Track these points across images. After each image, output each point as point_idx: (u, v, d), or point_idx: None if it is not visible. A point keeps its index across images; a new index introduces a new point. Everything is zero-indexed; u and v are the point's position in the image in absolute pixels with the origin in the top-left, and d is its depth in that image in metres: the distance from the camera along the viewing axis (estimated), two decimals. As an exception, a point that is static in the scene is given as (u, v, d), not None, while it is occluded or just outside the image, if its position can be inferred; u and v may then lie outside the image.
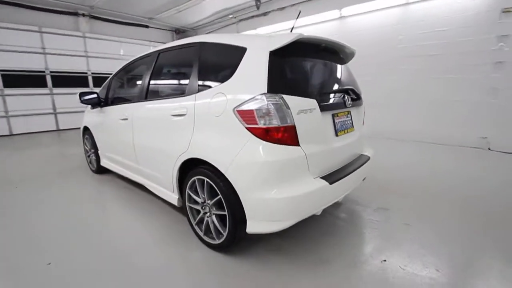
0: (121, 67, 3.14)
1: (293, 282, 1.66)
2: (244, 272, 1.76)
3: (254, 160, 1.63)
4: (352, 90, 2.16)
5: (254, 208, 1.67)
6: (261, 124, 1.61)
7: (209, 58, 2.02)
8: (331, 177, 1.80)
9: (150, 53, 2.64)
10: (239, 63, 1.76)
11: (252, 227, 1.70)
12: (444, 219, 2.35)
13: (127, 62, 3.04)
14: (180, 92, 2.18)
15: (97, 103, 3.25)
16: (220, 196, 1.80)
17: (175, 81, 2.44)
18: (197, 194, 2.03)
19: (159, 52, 2.50)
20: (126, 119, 2.69)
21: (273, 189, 1.63)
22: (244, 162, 1.65)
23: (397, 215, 2.42)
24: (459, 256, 1.87)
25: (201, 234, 2.06)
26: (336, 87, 2.11)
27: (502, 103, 4.49)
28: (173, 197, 2.29)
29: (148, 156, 2.49)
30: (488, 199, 2.73)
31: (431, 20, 5.00)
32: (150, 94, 2.49)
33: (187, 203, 2.13)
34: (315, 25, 6.59)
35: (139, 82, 2.73)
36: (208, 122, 1.84)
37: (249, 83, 1.70)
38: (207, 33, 2.49)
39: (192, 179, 2.00)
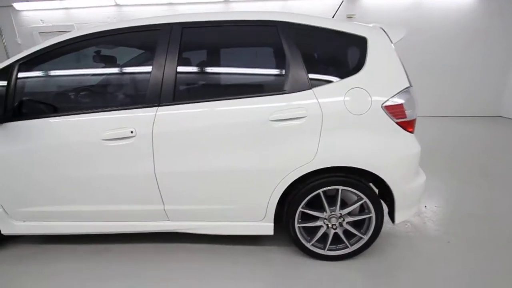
0: (47, 45, 1.67)
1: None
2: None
3: (409, 152, 1.65)
4: None
5: (404, 199, 1.71)
6: (408, 117, 1.63)
7: (315, 45, 1.64)
8: None
9: (154, 25, 1.63)
10: (366, 54, 1.61)
11: (400, 217, 1.75)
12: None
13: (69, 37, 1.67)
14: (267, 88, 1.62)
15: None
16: (364, 200, 1.66)
17: (245, 73, 1.70)
18: (317, 209, 1.71)
19: (183, 27, 1.61)
20: (130, 137, 1.59)
21: (418, 176, 1.75)
22: (400, 157, 1.63)
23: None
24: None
25: (321, 251, 1.79)
26: None
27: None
28: (261, 226, 1.77)
29: (205, 187, 1.67)
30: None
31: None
32: (185, 94, 1.61)
33: (296, 225, 1.74)
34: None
35: (139, 74, 1.65)
36: (346, 122, 1.57)
37: (387, 76, 1.62)
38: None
39: (314, 193, 1.65)
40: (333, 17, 2.00)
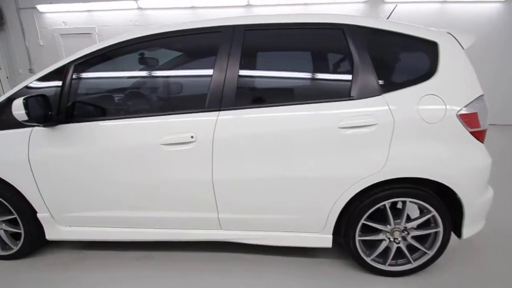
0: (104, 46, 1.62)
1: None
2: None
3: (482, 164, 1.56)
4: None
5: (474, 213, 1.61)
6: (482, 126, 1.54)
7: (384, 49, 1.56)
8: None
9: (216, 27, 1.58)
10: (438, 60, 1.53)
11: (468, 232, 1.65)
12: None
13: (128, 38, 1.61)
14: (333, 93, 1.55)
15: (44, 117, 1.55)
16: (433, 213, 1.57)
17: (308, 77, 1.63)
18: (379, 222, 1.62)
19: (245, 29, 1.55)
20: (190, 142, 1.52)
21: (487, 190, 1.65)
22: (473, 168, 1.54)
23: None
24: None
25: (381, 266, 1.70)
26: None
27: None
28: (319, 238, 1.68)
29: (264, 196, 1.59)
30: None
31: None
32: (248, 98, 1.54)
33: (357, 238, 1.64)
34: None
35: (199, 78, 1.59)
36: (418, 131, 1.48)
37: (461, 83, 1.54)
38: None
39: (378, 205, 1.56)
40: (387, 18, 1.94)
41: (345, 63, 1.56)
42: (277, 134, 1.52)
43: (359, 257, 1.70)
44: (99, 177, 1.65)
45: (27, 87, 1.67)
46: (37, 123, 1.49)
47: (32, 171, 1.66)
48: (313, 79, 1.63)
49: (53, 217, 1.79)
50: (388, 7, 5.67)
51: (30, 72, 6.61)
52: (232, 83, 1.53)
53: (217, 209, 1.66)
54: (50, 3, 6.09)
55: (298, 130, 1.51)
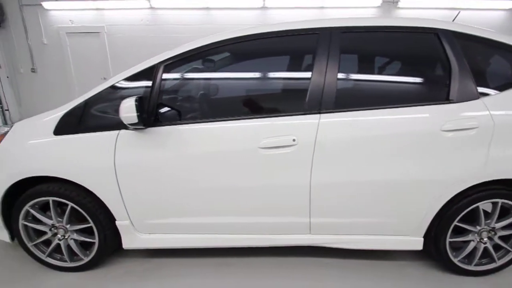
0: (195, 46, 1.55)
1: None
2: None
3: None
4: None
5: None
6: None
7: (480, 55, 1.59)
8: None
9: (313, 29, 1.55)
10: None
11: None
12: None
13: (220, 39, 1.55)
14: (429, 96, 1.57)
15: (148, 120, 1.47)
16: None
17: (405, 80, 1.62)
18: (471, 223, 1.65)
19: (342, 31, 1.54)
20: (290, 145, 1.49)
21: None
22: None
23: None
24: None
25: (467, 266, 1.73)
26: None
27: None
28: (410, 241, 1.69)
29: (361, 199, 1.58)
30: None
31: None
32: (347, 101, 1.53)
33: (447, 239, 1.66)
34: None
35: (297, 80, 1.56)
36: None
37: None
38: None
39: (472, 206, 1.59)
40: (453, 20, 1.99)
41: (441, 67, 1.58)
42: (377, 137, 1.51)
43: (448, 259, 1.72)
44: (189, 182, 1.58)
45: (112, 87, 1.58)
46: (144, 126, 1.40)
47: (116, 177, 1.57)
48: (409, 82, 1.64)
49: (133, 225, 1.70)
50: (399, 12, 5.83)
51: (32, 71, 6.30)
52: (332, 86, 1.51)
53: (310, 213, 1.63)
54: (57, 0, 5.85)
55: (398, 133, 1.51)
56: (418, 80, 1.64)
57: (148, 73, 1.55)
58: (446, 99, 1.53)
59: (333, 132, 1.50)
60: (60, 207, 1.73)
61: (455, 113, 1.51)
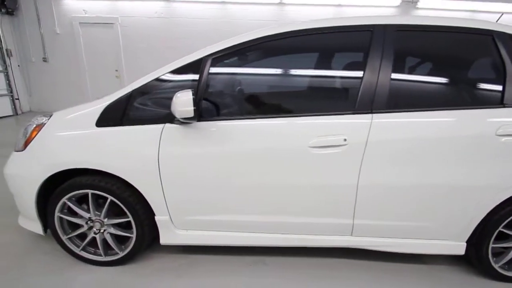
0: (246, 40, 1.49)
1: None
2: None
3: None
4: None
5: None
6: None
7: None
8: None
9: (366, 25, 1.50)
10: None
11: None
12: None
13: (270, 33, 1.49)
14: (482, 99, 1.54)
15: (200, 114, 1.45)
16: None
17: (458, 82, 1.58)
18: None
19: (397, 29, 1.49)
20: (341, 145, 1.46)
21: None
22: None
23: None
24: None
25: (507, 273, 1.70)
26: None
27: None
28: (453, 246, 1.67)
29: (406, 202, 1.55)
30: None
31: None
32: (400, 101, 1.49)
33: (491, 245, 1.64)
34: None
35: (347, 78, 1.52)
36: None
37: None
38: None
39: None
40: (497, 20, 1.94)
41: (495, 70, 1.54)
42: (429, 139, 1.48)
43: (488, 265, 1.70)
44: (232, 179, 1.55)
45: (158, 79, 1.54)
46: (196, 120, 1.37)
47: (159, 171, 1.54)
48: (462, 84, 1.60)
49: (171, 221, 1.67)
50: (418, 13, 5.76)
51: (44, 61, 6.25)
52: (385, 85, 1.47)
53: (354, 214, 1.61)
54: (70, -11, 5.78)
55: (451, 137, 1.48)
56: (472, 82, 1.60)
57: (194, 66, 1.51)
58: (500, 103, 1.50)
59: (385, 133, 1.46)
60: (96, 200, 1.70)
61: (509, 117, 1.48)
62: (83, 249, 1.76)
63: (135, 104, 1.54)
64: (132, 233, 1.70)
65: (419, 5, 5.55)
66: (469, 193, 1.53)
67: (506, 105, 1.49)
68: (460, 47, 1.58)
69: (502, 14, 2.24)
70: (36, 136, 1.61)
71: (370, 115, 1.47)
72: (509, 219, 1.59)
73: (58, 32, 6.08)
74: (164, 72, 1.53)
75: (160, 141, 1.51)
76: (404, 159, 1.49)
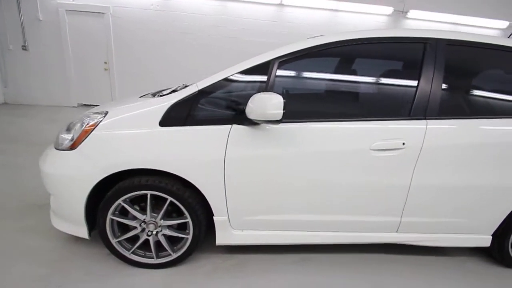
0: (315, 44, 1.52)
1: None
2: None
3: None
4: None
5: None
6: None
7: None
8: None
9: (422, 38, 1.62)
10: None
11: None
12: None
13: (338, 39, 1.54)
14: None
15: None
16: None
17: (498, 94, 1.75)
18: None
19: (447, 43, 1.62)
20: (399, 148, 1.57)
21: None
22: None
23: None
24: None
25: (523, 262, 1.94)
26: None
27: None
28: (480, 239, 1.88)
29: (450, 201, 1.71)
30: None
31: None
32: (450, 109, 1.64)
33: (511, 237, 1.86)
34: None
35: (403, 86, 1.62)
36: None
37: None
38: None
39: None
40: (509, 37, 2.18)
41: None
42: (472, 145, 1.63)
43: (507, 254, 1.92)
44: (297, 179, 1.60)
45: (226, 79, 1.53)
46: (279, 123, 1.39)
47: (224, 172, 1.54)
48: (503, 95, 1.78)
49: (229, 221, 1.67)
50: (407, 22, 6.14)
51: (23, 49, 5.73)
52: (437, 93, 1.61)
53: (402, 213, 1.73)
54: (57, -27, 5.35)
55: (493, 143, 1.64)
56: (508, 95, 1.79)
57: (262, 68, 1.53)
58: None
59: (438, 138, 1.60)
60: (145, 201, 1.65)
61: (538, 125, 1.68)
62: (133, 252, 1.70)
63: (201, 104, 1.52)
64: (187, 234, 1.68)
65: (409, 15, 5.93)
66: (500, 192, 1.73)
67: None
68: (500, 62, 1.76)
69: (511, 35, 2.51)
70: (90, 135, 1.52)
71: (425, 121, 1.60)
72: (529, 214, 1.82)
73: (41, 19, 5.60)
74: (232, 73, 1.53)
75: (227, 142, 1.51)
76: (452, 162, 1.64)
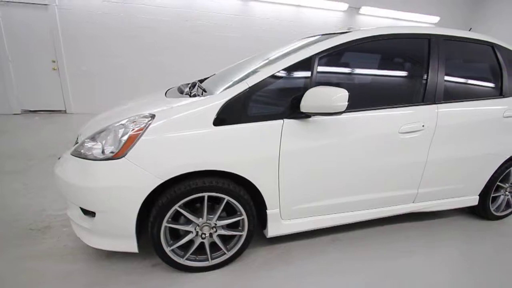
0: (349, 40, 1.68)
1: None
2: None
3: None
4: None
5: None
6: None
7: None
8: None
9: (425, 34, 1.90)
10: None
11: None
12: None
13: (369, 35, 1.74)
14: (488, 92, 2.13)
15: None
16: None
17: (479, 80, 2.13)
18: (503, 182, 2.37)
19: (445, 38, 1.94)
20: (420, 130, 1.83)
21: None
22: None
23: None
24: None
25: (498, 213, 2.44)
26: None
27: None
28: (471, 199, 2.32)
29: (455, 170, 2.08)
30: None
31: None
32: (451, 94, 1.97)
33: (490, 195, 2.33)
34: None
35: (416, 77, 1.88)
36: None
37: None
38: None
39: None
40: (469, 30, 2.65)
41: (494, 71, 2.16)
42: (470, 123, 2.01)
43: (488, 210, 2.40)
44: (342, 165, 1.75)
45: (272, 76, 1.55)
46: (340, 114, 1.48)
47: (279, 165, 1.59)
48: (481, 81, 2.17)
49: (280, 212, 1.73)
50: (360, 18, 6.74)
51: None
52: (441, 81, 1.92)
53: (419, 185, 2.02)
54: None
55: (482, 120, 2.04)
56: (484, 81, 2.19)
57: (305, 64, 1.61)
58: (500, 94, 2.14)
59: (446, 119, 1.93)
60: (194, 203, 1.61)
61: (511, 104, 2.13)
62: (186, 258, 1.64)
63: (253, 101, 1.54)
64: (241, 231, 1.69)
65: (361, 11, 6.53)
66: (486, 159, 2.15)
67: (504, 96, 2.13)
68: (477, 54, 2.14)
69: (471, 28, 3.02)
70: (140, 140, 1.41)
71: (435, 105, 1.89)
72: (503, 175, 2.30)
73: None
74: (278, 69, 1.57)
75: (281, 136, 1.57)
76: (455, 138, 1.99)
